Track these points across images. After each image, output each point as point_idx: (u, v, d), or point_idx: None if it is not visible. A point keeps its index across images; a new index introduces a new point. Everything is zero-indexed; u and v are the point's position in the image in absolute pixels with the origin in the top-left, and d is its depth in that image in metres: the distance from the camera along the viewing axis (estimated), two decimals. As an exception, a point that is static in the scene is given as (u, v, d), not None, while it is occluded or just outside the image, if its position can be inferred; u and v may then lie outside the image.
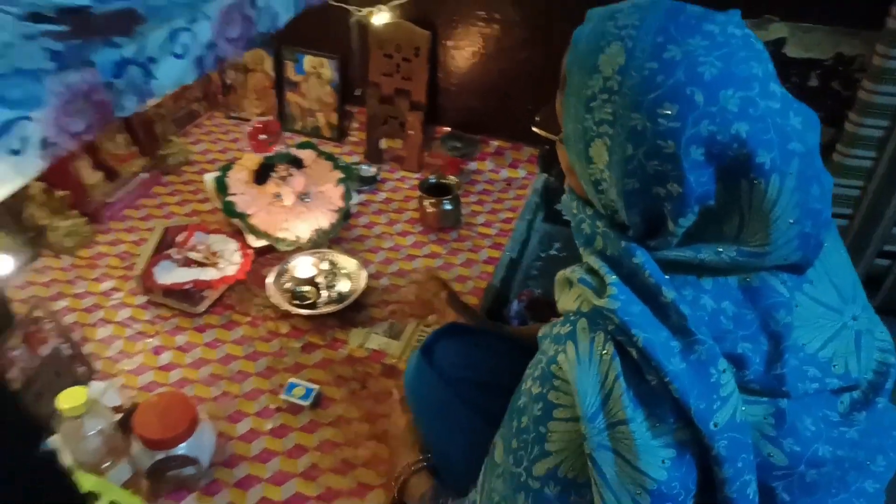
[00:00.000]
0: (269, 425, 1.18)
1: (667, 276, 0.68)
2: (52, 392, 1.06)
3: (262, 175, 1.50)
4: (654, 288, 0.67)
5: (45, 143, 0.35)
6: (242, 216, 1.45)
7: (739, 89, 0.63)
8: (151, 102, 0.76)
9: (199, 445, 1.06)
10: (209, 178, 1.53)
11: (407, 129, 1.75)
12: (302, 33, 1.78)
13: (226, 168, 1.54)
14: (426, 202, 1.57)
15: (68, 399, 0.89)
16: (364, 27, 1.69)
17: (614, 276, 0.69)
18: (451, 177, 1.62)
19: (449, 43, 1.69)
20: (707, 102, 0.62)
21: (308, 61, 1.81)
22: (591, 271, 0.72)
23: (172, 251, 1.40)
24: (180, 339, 1.32)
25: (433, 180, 1.62)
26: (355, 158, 1.83)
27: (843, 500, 0.74)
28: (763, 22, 1.41)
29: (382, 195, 1.72)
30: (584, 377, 0.67)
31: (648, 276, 0.67)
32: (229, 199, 1.47)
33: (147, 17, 0.43)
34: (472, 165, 1.81)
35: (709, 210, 0.67)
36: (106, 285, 1.43)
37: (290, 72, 1.85)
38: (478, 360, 0.98)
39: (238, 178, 1.52)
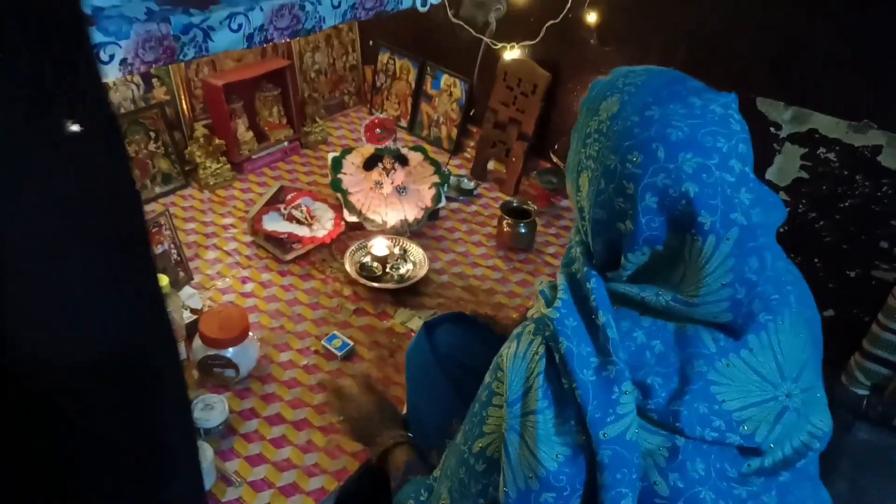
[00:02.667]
0: (304, 361, 1.39)
1: (613, 306, 0.80)
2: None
3: (370, 163, 1.74)
4: (594, 310, 0.78)
5: (123, 62, 0.58)
6: (344, 192, 1.70)
7: (698, 155, 0.73)
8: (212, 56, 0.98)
9: (243, 355, 1.29)
10: (331, 155, 1.80)
11: (511, 155, 1.92)
12: (445, 54, 2.02)
13: (346, 151, 1.81)
14: (504, 221, 1.73)
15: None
16: (495, 59, 1.89)
17: (566, 294, 0.81)
18: (532, 204, 1.77)
19: (568, 86, 1.84)
20: (667, 159, 0.73)
21: (444, 79, 2.05)
22: (553, 287, 0.85)
23: (281, 206, 1.68)
24: (265, 276, 1.59)
25: (515, 204, 1.77)
26: (463, 171, 2.03)
27: None
28: (862, 126, 1.42)
29: (473, 208, 1.90)
30: (515, 369, 0.80)
31: (593, 299, 0.79)
32: (339, 176, 1.73)
33: (223, 1, 0.66)
34: (563, 202, 1.94)
35: (659, 255, 0.77)
36: (227, 220, 1.74)
37: (428, 85, 2.09)
38: (468, 345, 1.13)
39: (352, 162, 1.77)
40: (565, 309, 0.79)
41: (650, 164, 0.74)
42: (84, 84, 0.50)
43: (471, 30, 1.89)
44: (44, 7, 0.44)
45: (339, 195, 1.71)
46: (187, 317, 1.35)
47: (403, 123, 2.19)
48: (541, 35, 1.77)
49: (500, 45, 1.86)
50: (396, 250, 1.65)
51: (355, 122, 2.22)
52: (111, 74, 0.58)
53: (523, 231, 1.73)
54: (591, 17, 1.69)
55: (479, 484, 0.83)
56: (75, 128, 0.48)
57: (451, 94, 2.05)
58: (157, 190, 1.77)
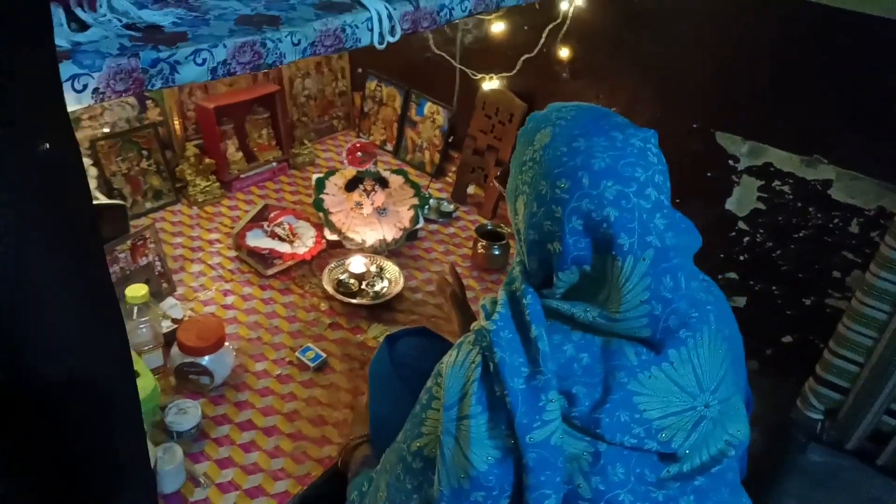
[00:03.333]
0: (278, 371, 1.46)
1: (548, 320, 0.87)
2: (137, 291, 1.44)
3: (352, 184, 1.83)
4: (528, 324, 0.85)
5: (95, 91, 0.66)
6: (325, 211, 1.78)
7: (618, 183, 0.81)
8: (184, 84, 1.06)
9: (218, 363, 1.36)
10: (315, 176, 1.89)
11: (489, 181, 2.01)
12: (429, 83, 2.12)
13: (330, 173, 1.89)
14: (479, 243, 1.80)
15: (134, 291, 1.24)
16: (475, 88, 1.98)
17: (504, 309, 0.88)
18: (506, 227, 1.84)
19: (543, 117, 1.93)
20: (590, 186, 0.81)
21: (428, 107, 2.14)
22: (494, 302, 0.92)
23: (265, 223, 1.76)
24: (246, 289, 1.66)
25: (489, 227, 1.85)
26: (444, 195, 2.11)
27: None
28: (812, 161, 1.50)
29: (451, 230, 1.97)
30: (453, 376, 0.87)
31: (528, 314, 0.86)
32: (321, 196, 1.81)
33: (190, 39, 0.74)
34: (539, 227, 2.01)
35: (587, 275, 0.85)
36: (213, 236, 1.82)
37: (413, 112, 2.19)
38: (425, 354, 1.19)
39: (335, 183, 1.86)
40: (502, 322, 0.86)
41: (576, 190, 0.82)
42: (53, 111, 0.59)
43: (451, 59, 1.99)
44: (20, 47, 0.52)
45: (321, 214, 1.79)
46: (168, 326, 1.42)
47: (389, 147, 2.27)
48: (517, 67, 1.87)
49: (479, 75, 1.96)
50: (373, 268, 1.72)
51: (343, 145, 2.31)
52: (84, 101, 0.66)
53: (497, 253, 1.80)
54: (564, 53, 1.78)
55: (415, 480, 0.90)
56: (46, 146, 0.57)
57: (434, 121, 2.14)
58: (148, 205, 1.86)
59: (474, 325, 0.92)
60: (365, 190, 1.82)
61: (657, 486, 0.84)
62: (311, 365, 1.47)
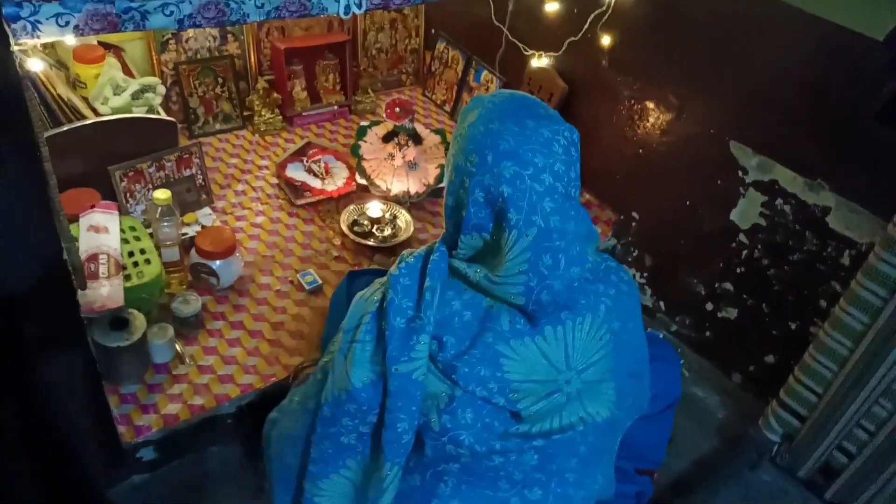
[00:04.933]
0: (278, 287, 1.67)
1: (450, 278, 1.00)
2: (177, 196, 1.69)
3: (388, 136, 1.98)
4: (425, 275, 0.99)
5: (76, 27, 0.85)
6: (360, 157, 1.96)
7: (516, 165, 0.91)
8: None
9: (226, 269, 1.59)
10: (361, 124, 2.06)
11: (523, 154, 2.09)
12: (489, 51, 2.21)
13: (374, 123, 2.06)
14: (493, 210, 1.91)
15: (159, 194, 1.48)
16: (525, 63, 2.06)
17: (414, 260, 1.02)
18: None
19: (583, 99, 1.98)
20: (492, 164, 0.92)
21: (484, 74, 2.24)
22: (411, 254, 1.06)
23: (304, 158, 1.96)
24: (276, 213, 1.88)
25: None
26: (484, 161, 2.22)
27: (481, 493, 0.99)
28: (815, 185, 1.47)
29: (478, 194, 2.09)
30: (356, 306, 1.03)
31: (430, 267, 0.99)
32: (360, 142, 1.99)
33: (161, -6, 0.92)
34: (564, 206, 2.09)
35: (486, 241, 0.97)
36: (263, 163, 2.05)
37: (471, 78, 2.29)
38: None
39: (376, 133, 2.02)
40: (405, 270, 0.99)
41: (482, 165, 0.93)
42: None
43: (507, 33, 2.07)
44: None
45: (355, 158, 1.97)
46: (196, 230, 1.67)
47: (448, 108, 2.40)
48: (563, 49, 1.92)
49: (530, 51, 2.03)
50: (388, 215, 1.88)
51: (407, 99, 2.46)
52: (66, 35, 0.85)
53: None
54: (605, 41, 1.81)
55: (314, 388, 1.07)
56: None
57: (487, 90, 2.24)
58: (217, 126, 2.12)
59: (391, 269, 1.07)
60: (399, 143, 1.97)
61: (499, 438, 0.96)
62: (308, 287, 1.67)
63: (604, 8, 1.77)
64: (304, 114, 2.22)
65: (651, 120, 1.79)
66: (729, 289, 1.73)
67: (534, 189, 0.91)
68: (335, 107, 2.28)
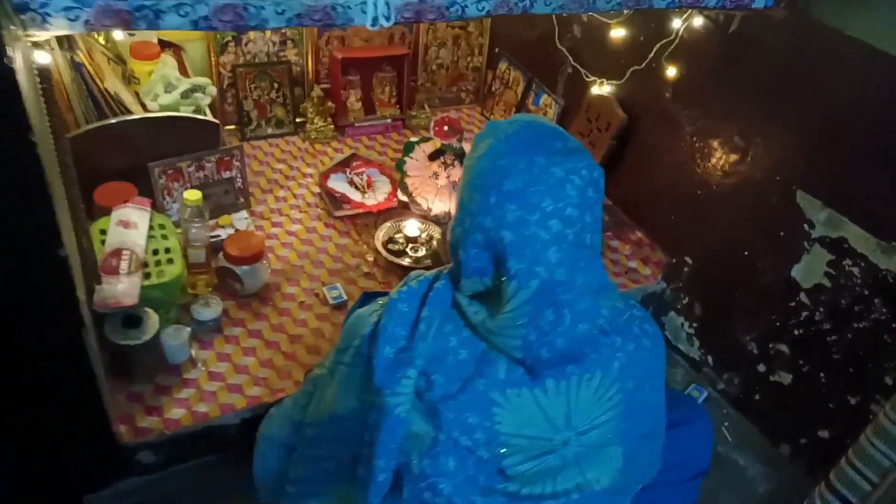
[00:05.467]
0: (302, 299, 1.64)
1: (452, 310, 0.92)
2: (214, 198, 1.69)
3: (434, 155, 1.93)
4: (424, 306, 0.92)
5: (87, 22, 0.83)
6: (403, 173, 1.91)
7: (521, 209, 0.83)
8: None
9: (250, 275, 1.57)
10: (410, 140, 2.02)
11: (575, 184, 1.99)
12: (550, 75, 2.13)
13: (424, 139, 2.00)
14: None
15: (190, 195, 1.47)
16: (585, 89, 1.96)
17: (417, 285, 0.95)
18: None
19: (641, 132, 1.86)
20: (495, 206, 0.85)
21: (543, 98, 2.15)
22: (417, 277, 0.99)
23: (347, 169, 1.93)
24: (313, 223, 1.86)
25: (550, 227, 1.85)
26: (534, 187, 2.13)
27: None
28: (890, 248, 1.31)
29: (523, 221, 2.00)
30: (352, 325, 0.97)
31: (431, 295, 0.92)
32: (406, 158, 1.94)
33: (175, -7, 0.89)
34: (614, 242, 1.97)
35: (488, 287, 0.89)
36: (309, 170, 2.04)
37: (531, 101, 2.21)
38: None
39: (423, 150, 1.97)
40: (405, 296, 0.93)
41: (483, 205, 0.86)
42: None
43: (570, 58, 1.98)
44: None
45: (399, 174, 1.92)
46: (229, 233, 1.66)
47: (504, 130, 2.33)
48: (625, 77, 1.82)
49: (591, 77, 1.93)
50: (424, 235, 1.82)
51: (464, 118, 2.41)
52: (76, 29, 0.84)
53: (550, 254, 1.81)
54: (670, 72, 1.70)
55: (303, 399, 1.01)
56: None
57: (545, 114, 2.15)
58: (269, 131, 2.12)
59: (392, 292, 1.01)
60: (444, 162, 1.91)
61: (483, 493, 0.88)
62: (332, 302, 1.62)
63: (671, 37, 1.66)
64: (356, 124, 2.20)
65: (713, 159, 1.66)
66: (784, 351, 1.57)
67: (538, 237, 0.83)
68: (389, 120, 2.24)
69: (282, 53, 2.07)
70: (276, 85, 2.07)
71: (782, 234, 1.52)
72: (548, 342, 0.83)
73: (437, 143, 1.97)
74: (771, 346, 1.60)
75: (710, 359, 1.78)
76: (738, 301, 1.67)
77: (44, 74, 0.90)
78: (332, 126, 2.16)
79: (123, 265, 1.35)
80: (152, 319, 1.34)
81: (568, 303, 0.83)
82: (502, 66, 2.33)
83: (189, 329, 1.43)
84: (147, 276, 1.38)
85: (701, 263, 1.77)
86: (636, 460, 0.94)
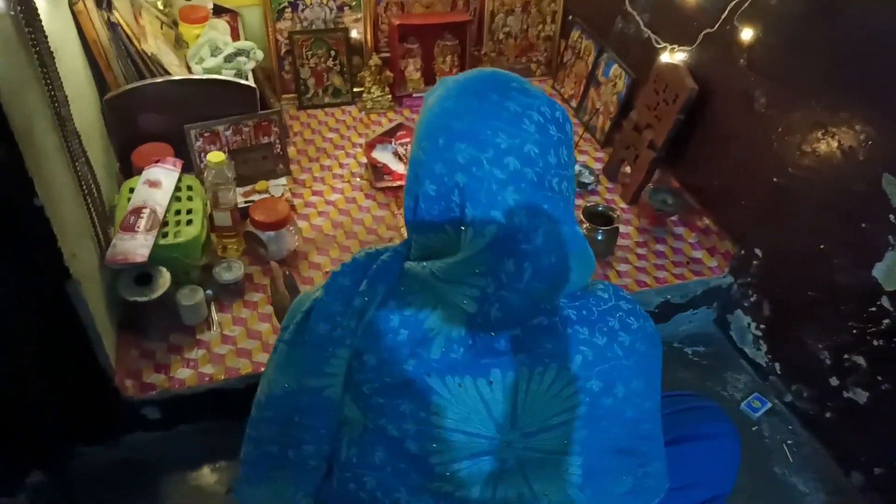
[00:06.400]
0: (329, 268, 1.60)
1: (401, 287, 0.82)
2: (252, 163, 1.69)
3: (483, 126, 1.81)
4: (366, 280, 0.83)
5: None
6: (449, 145, 1.82)
7: (473, 147, 0.72)
8: None
9: (275, 241, 1.55)
10: (463, 111, 1.91)
11: (638, 162, 1.81)
12: (621, 42, 1.94)
13: (477, 110, 1.90)
14: (582, 225, 1.66)
15: (213, 157, 1.46)
16: (655, 58, 1.77)
17: (363, 258, 0.85)
18: (617, 212, 1.67)
19: (712, 104, 1.64)
20: (444, 148, 0.74)
21: (614, 69, 1.97)
22: (367, 251, 0.89)
23: (392, 140, 1.86)
24: (353, 194, 1.81)
25: (601, 209, 1.69)
26: (597, 166, 1.96)
27: None
28: None
29: (577, 202, 1.85)
30: (297, 302, 0.88)
31: (373, 271, 0.83)
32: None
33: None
34: (678, 229, 1.77)
35: (440, 240, 0.78)
36: (360, 140, 1.99)
37: (600, 72, 2.03)
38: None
39: (474, 121, 1.86)
40: (349, 269, 0.84)
41: (432, 151, 0.75)
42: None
43: (640, 21, 1.79)
44: None
45: (445, 146, 1.83)
46: (263, 197, 1.64)
47: (574, 104, 2.16)
48: (697, 42, 1.61)
49: (662, 44, 1.74)
50: (464, 211, 1.72)
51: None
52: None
53: (599, 238, 1.65)
54: (745, 35, 1.47)
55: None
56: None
57: (615, 86, 1.97)
58: (326, 100, 2.10)
59: None
60: (492, 134, 1.79)
61: (411, 491, 0.78)
62: (357, 274, 1.57)
63: (748, -6, 1.44)
64: (414, 95, 2.12)
65: (790, 137, 1.43)
66: (860, 364, 1.33)
67: (493, 176, 0.70)
68: (449, 91, 2.14)
69: (339, 20, 2.03)
70: (332, 53, 2.04)
71: (864, 225, 1.28)
72: (502, 298, 0.71)
73: (488, 114, 1.85)
74: (846, 357, 1.36)
75: (777, 366, 1.56)
76: (812, 302, 1.44)
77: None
78: (390, 96, 2.10)
79: (141, 223, 1.36)
80: (164, 278, 1.35)
81: (529, 254, 0.71)
82: (574, 34, 2.16)
83: (205, 291, 1.43)
84: (164, 235, 1.39)
85: (772, 257, 1.54)
86: (603, 479, 0.80)
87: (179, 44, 1.75)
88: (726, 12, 1.50)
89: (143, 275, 1.34)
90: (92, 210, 1.23)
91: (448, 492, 0.77)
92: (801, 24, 1.36)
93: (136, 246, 1.33)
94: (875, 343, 1.30)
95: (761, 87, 1.48)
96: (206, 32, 1.69)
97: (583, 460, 0.77)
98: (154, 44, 1.57)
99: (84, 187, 1.18)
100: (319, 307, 0.81)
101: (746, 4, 1.44)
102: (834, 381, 1.40)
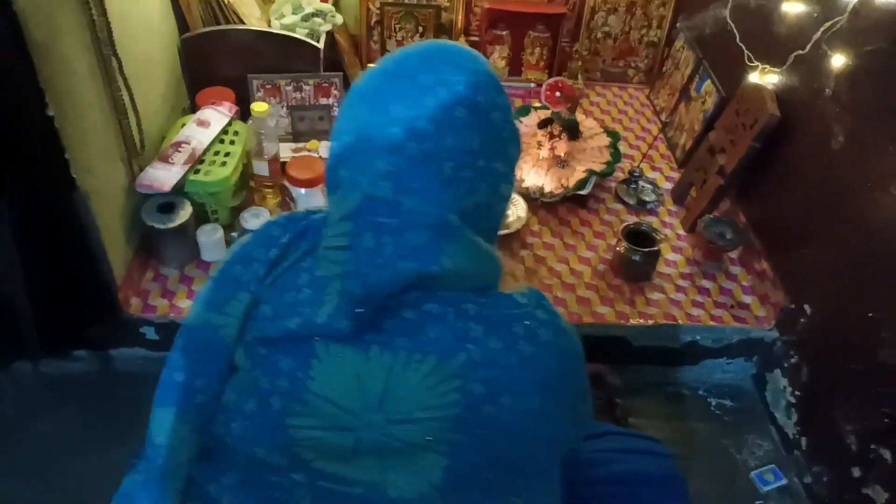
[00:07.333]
0: (351, 235, 1.61)
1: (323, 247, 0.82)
2: (308, 121, 1.74)
3: (543, 123, 1.74)
4: (291, 234, 0.83)
5: None
6: (506, 136, 1.76)
7: (370, 110, 0.71)
8: None
9: (307, 198, 1.58)
10: (532, 104, 1.84)
11: (705, 187, 1.65)
12: (718, 57, 1.78)
13: (543, 106, 1.82)
14: (620, 243, 1.55)
15: (257, 107, 1.51)
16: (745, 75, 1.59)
17: (299, 213, 0.85)
18: (661, 233, 1.53)
19: (794, 134, 1.45)
20: (347, 106, 0.74)
21: (706, 85, 1.81)
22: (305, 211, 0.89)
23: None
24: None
25: (644, 228, 1.56)
26: (668, 185, 1.82)
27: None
28: None
29: (631, 219, 1.72)
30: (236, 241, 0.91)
31: (301, 227, 0.82)
32: (515, 121, 1.78)
33: None
34: (735, 268, 1.60)
35: (331, 199, 0.77)
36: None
37: (693, 86, 1.87)
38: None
39: (538, 115, 1.79)
40: (283, 220, 0.84)
41: (343, 112, 0.75)
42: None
43: (737, 35, 1.63)
44: None
45: (503, 137, 1.77)
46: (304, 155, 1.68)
47: (664, 118, 2.01)
48: (787, 63, 1.43)
49: (754, 63, 1.56)
50: (501, 204, 1.66)
51: (622, 100, 2.13)
52: None
53: (636, 259, 1.53)
54: (836, 61, 1.29)
55: None
56: None
57: (703, 103, 1.80)
58: (408, 75, 2.10)
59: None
60: (551, 133, 1.71)
61: (270, 449, 0.76)
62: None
63: (841, 14, 1.25)
64: (496, 83, 2.07)
65: (861, 184, 1.23)
66: (886, 458, 1.14)
67: (374, 142, 0.68)
68: (532, 84, 2.08)
69: (433, -3, 2.02)
70: (420, 28, 2.04)
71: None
72: (362, 275, 0.69)
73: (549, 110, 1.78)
74: (873, 447, 1.17)
75: (804, 441, 1.37)
76: (850, 376, 1.24)
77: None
78: (471, 80, 2.07)
79: (177, 156, 1.45)
80: (185, 210, 1.43)
81: (391, 229, 0.68)
82: (678, 43, 2.00)
83: (224, 230, 1.50)
84: (197, 171, 1.47)
85: (820, 316, 1.34)
86: (469, 490, 0.74)
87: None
88: (818, 33, 1.32)
89: (167, 204, 1.43)
90: (127, 134, 1.32)
91: (307, 459, 0.75)
92: (891, 51, 1.17)
93: (167, 176, 1.41)
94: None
95: (841, 123, 1.29)
96: (292, -10, 1.76)
97: (449, 463, 0.72)
98: (236, -6, 1.65)
99: (118, 111, 1.27)
100: (241, 251, 0.82)
101: (838, 25, 1.26)
102: (856, 472, 1.20)
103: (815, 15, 1.36)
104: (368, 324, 0.71)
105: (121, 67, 1.25)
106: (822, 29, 1.31)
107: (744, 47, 1.59)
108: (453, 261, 0.69)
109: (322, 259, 0.74)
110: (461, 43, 0.79)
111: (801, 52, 1.38)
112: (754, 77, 1.55)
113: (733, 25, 1.64)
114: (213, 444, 0.82)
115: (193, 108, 1.72)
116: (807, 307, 1.37)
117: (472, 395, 0.70)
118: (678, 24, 2.04)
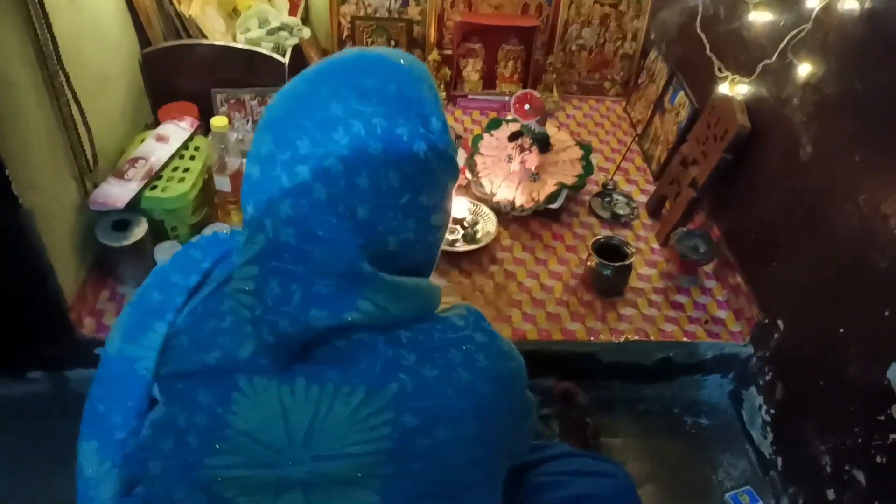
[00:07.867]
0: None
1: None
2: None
3: (514, 136, 1.71)
4: (213, 258, 0.79)
5: None
6: (476, 150, 1.73)
7: (275, 142, 0.65)
8: None
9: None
10: (505, 117, 1.81)
11: (677, 200, 1.61)
12: (690, 68, 1.75)
13: (514, 119, 1.79)
14: (591, 258, 1.51)
15: (217, 121, 1.48)
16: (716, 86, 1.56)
17: (224, 233, 0.81)
18: (632, 247, 1.50)
19: (762, 145, 1.42)
20: (256, 134, 0.69)
21: (679, 97, 1.78)
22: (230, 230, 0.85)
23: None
24: (373, 184, 1.77)
25: (615, 242, 1.52)
26: (643, 198, 1.78)
27: None
28: None
29: (605, 233, 1.68)
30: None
31: (226, 251, 0.79)
32: (482, 135, 1.75)
33: None
34: (710, 282, 1.57)
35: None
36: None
37: (668, 98, 1.85)
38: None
39: (510, 129, 1.76)
40: (205, 244, 0.79)
41: (255, 139, 0.70)
42: None
43: (707, 45, 1.60)
44: None
45: (472, 150, 1.75)
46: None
47: (639, 130, 1.99)
48: (755, 73, 1.40)
49: (724, 73, 1.53)
50: (469, 219, 1.63)
51: (598, 113, 2.10)
52: None
53: (607, 274, 1.49)
54: (802, 70, 1.26)
55: None
56: None
57: (677, 115, 1.78)
58: (382, 89, 2.08)
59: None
60: (520, 146, 1.68)
61: (187, 489, 0.72)
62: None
63: (806, 22, 1.23)
64: (470, 97, 2.05)
65: (828, 195, 1.20)
66: (859, 480, 1.09)
67: (279, 182, 0.63)
68: (507, 97, 2.05)
69: (403, 11, 2.00)
70: (392, 43, 2.02)
71: (886, 314, 1.04)
72: (270, 323, 0.65)
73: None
74: (846, 468, 1.12)
75: (780, 461, 1.32)
76: (822, 393, 1.20)
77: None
78: (445, 94, 2.04)
79: (133, 172, 1.41)
80: (141, 227, 1.39)
81: (298, 277, 0.63)
82: (653, 55, 1.98)
83: (179, 244, 1.46)
84: (154, 187, 1.43)
85: (792, 331, 1.31)
86: None
87: (236, 12, 1.80)
88: (784, 41, 1.29)
89: (122, 221, 1.39)
90: (78, 151, 1.29)
91: (228, 497, 0.70)
92: (857, 61, 1.14)
93: (121, 192, 1.38)
94: (878, 459, 1.05)
95: (808, 133, 1.26)
96: (257, 4, 1.73)
97: (380, 499, 0.67)
98: (198, 7, 1.63)
99: (67, 127, 1.24)
100: (158, 276, 0.77)
101: (803, 33, 1.23)
102: (831, 495, 1.16)
103: (782, 23, 1.33)
104: (295, 354, 0.67)
105: (69, 82, 1.22)
106: (787, 37, 1.28)
107: (713, 58, 1.57)
108: (373, 303, 0.64)
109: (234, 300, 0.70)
110: (416, 53, 0.75)
111: (768, 61, 1.35)
112: (724, 88, 1.52)
113: (703, 36, 1.62)
114: (135, 482, 0.78)
115: (156, 124, 1.69)
116: (780, 322, 1.34)
117: (405, 427, 0.66)
118: (651, 36, 2.02)
